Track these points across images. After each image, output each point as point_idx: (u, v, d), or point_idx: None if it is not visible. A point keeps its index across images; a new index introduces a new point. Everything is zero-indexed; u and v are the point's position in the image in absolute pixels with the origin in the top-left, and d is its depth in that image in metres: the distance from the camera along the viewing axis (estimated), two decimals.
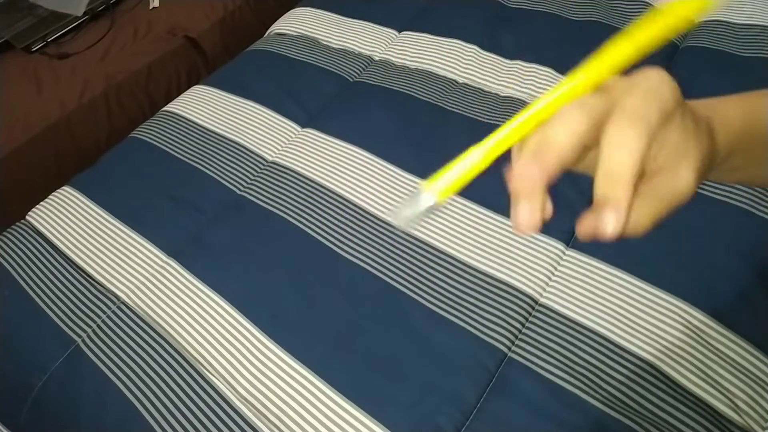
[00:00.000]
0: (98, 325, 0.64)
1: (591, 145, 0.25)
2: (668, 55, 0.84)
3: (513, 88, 0.84)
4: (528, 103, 0.79)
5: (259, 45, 1.05)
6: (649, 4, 0.92)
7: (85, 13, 1.27)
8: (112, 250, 0.71)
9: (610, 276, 0.58)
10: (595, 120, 0.25)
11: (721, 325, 0.53)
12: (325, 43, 1.00)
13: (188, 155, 0.82)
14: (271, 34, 1.09)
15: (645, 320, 0.54)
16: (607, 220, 0.24)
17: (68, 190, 0.81)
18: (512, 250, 0.62)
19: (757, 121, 0.33)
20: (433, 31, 0.96)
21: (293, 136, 0.83)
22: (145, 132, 0.89)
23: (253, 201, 0.74)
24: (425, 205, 0.27)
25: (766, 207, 0.61)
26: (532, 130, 0.26)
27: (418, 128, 0.79)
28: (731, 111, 0.32)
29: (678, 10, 0.28)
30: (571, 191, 0.66)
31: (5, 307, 0.69)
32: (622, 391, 0.50)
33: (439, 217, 0.66)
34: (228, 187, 0.77)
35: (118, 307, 0.65)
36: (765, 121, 0.33)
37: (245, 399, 0.55)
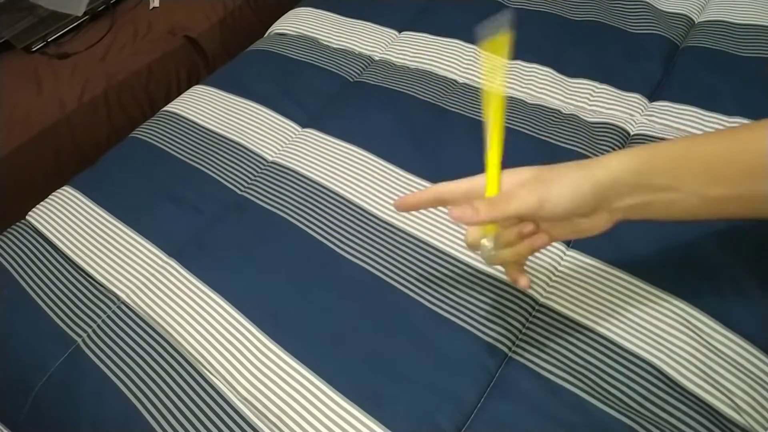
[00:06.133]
0: (98, 325, 0.64)
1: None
2: (668, 55, 0.84)
3: (513, 88, 0.84)
4: (528, 103, 0.79)
5: (259, 45, 1.05)
6: (649, 4, 0.92)
7: (85, 13, 1.28)
8: (112, 250, 0.71)
9: (610, 276, 0.58)
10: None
11: (722, 325, 0.53)
12: (325, 43, 1.00)
13: (188, 155, 0.82)
14: (271, 34, 1.09)
15: (645, 320, 0.54)
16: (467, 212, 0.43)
17: (68, 190, 0.81)
18: None
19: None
20: (433, 31, 0.96)
21: (293, 136, 0.83)
22: (145, 132, 0.89)
23: (253, 201, 0.74)
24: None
25: None
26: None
27: (419, 128, 0.79)
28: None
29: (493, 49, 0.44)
30: None
31: (5, 307, 0.69)
32: (623, 391, 0.50)
33: (440, 218, 0.66)
34: (228, 187, 0.77)
35: (118, 307, 0.65)
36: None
37: (245, 399, 0.55)
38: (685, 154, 0.43)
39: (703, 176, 0.42)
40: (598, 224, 0.45)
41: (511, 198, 0.43)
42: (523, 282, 0.47)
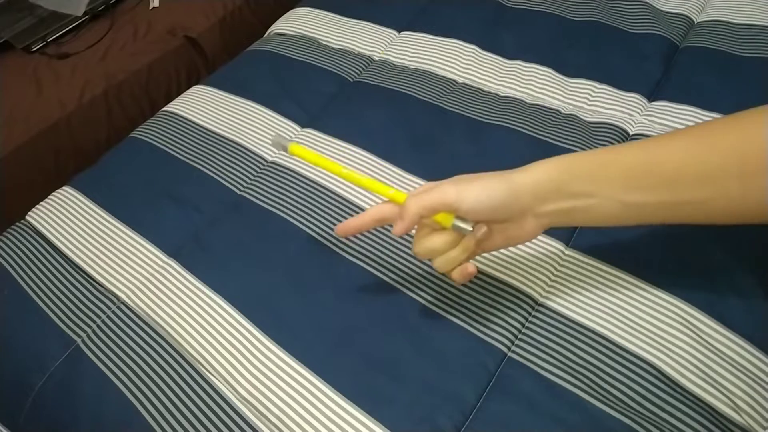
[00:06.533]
0: (98, 325, 0.64)
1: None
2: (668, 55, 0.84)
3: (513, 88, 0.84)
4: (528, 102, 0.79)
5: (259, 45, 1.05)
6: (648, 4, 0.92)
7: (85, 13, 1.28)
8: (112, 250, 0.71)
9: (610, 276, 0.58)
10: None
11: (722, 325, 0.53)
12: (325, 43, 1.00)
13: (188, 155, 0.82)
14: (271, 34, 1.09)
15: (645, 320, 0.54)
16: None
17: (68, 190, 0.81)
18: (512, 251, 0.62)
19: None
20: (433, 31, 0.96)
21: (293, 136, 0.83)
22: (145, 132, 0.89)
23: (253, 201, 0.74)
24: (283, 147, 0.56)
25: None
26: (364, 186, 0.53)
27: (418, 128, 0.79)
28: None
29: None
30: None
31: (5, 307, 0.69)
32: (622, 390, 0.50)
33: None
34: (228, 187, 0.77)
35: (118, 307, 0.65)
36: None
37: (245, 399, 0.55)
38: (603, 162, 0.46)
39: (619, 183, 0.45)
40: (526, 230, 0.48)
41: (435, 188, 0.47)
42: (471, 269, 0.50)
